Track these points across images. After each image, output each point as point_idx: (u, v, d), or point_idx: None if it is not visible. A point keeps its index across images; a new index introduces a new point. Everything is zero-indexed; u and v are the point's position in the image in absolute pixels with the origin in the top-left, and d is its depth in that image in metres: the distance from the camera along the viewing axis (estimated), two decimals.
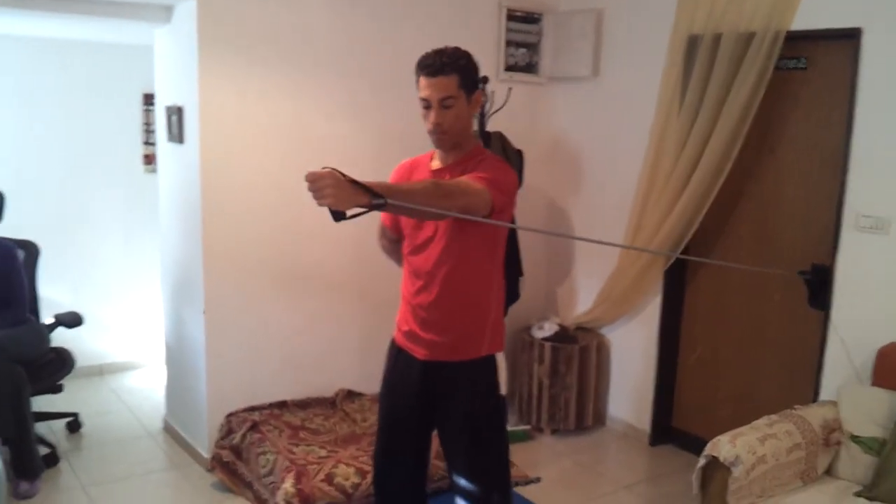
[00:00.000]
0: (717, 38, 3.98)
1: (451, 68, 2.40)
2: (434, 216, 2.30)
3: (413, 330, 2.63)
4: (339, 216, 1.99)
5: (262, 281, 4.13)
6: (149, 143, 5.48)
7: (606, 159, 4.80)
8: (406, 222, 2.61)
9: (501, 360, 2.64)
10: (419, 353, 2.62)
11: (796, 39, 3.75)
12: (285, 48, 4.03)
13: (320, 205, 1.95)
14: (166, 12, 4.03)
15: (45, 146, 5.17)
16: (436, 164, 2.59)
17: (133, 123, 5.47)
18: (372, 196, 1.98)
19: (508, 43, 4.78)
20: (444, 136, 2.46)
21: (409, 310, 2.64)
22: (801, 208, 3.96)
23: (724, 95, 3.95)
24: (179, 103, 4.03)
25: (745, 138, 3.92)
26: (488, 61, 4.61)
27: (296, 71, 4.08)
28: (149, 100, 5.35)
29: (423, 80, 2.42)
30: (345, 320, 4.44)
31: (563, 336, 4.76)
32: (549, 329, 4.77)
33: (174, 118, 4.07)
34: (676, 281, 4.55)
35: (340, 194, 1.93)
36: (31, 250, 4.37)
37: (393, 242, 2.78)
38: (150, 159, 5.47)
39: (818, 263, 3.80)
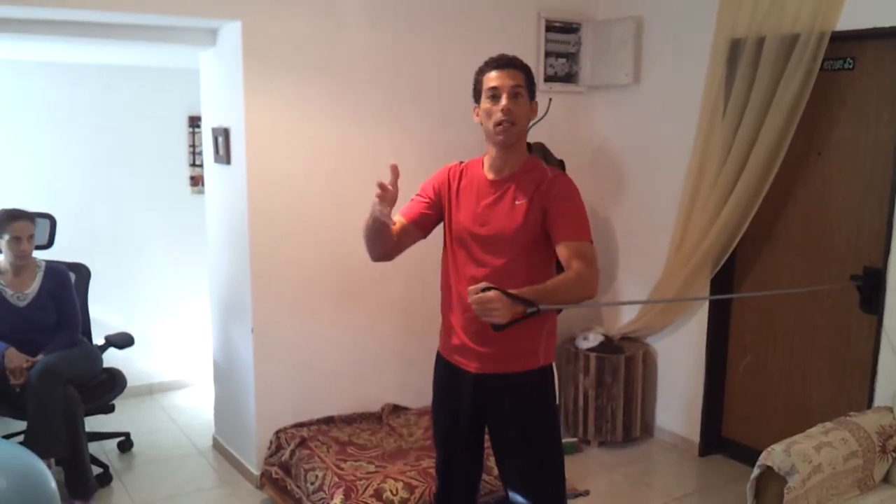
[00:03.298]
0: (760, 41, 3.93)
1: (518, 65, 2.52)
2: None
3: (465, 343, 2.60)
4: (499, 327, 2.20)
5: (309, 298, 4.16)
6: (195, 164, 5.56)
7: (649, 166, 4.76)
8: (464, 234, 2.57)
9: (553, 370, 2.63)
10: (472, 366, 2.59)
11: (842, 39, 3.69)
12: (330, 67, 4.05)
13: (483, 320, 2.17)
14: (211, 35, 4.08)
15: (93, 171, 5.26)
16: (491, 175, 2.57)
17: (179, 146, 5.54)
18: (527, 305, 2.17)
19: (548, 54, 4.77)
20: (511, 128, 2.47)
21: (459, 323, 2.61)
22: (851, 211, 3.88)
23: (769, 99, 3.89)
24: (226, 124, 4.08)
25: (791, 142, 3.86)
26: None
27: (341, 89, 4.10)
28: (194, 122, 5.44)
29: (492, 73, 2.49)
30: (389, 335, 4.44)
31: (608, 346, 4.71)
32: (593, 339, 4.73)
33: (220, 139, 4.12)
34: (724, 287, 4.47)
35: (504, 312, 2.13)
36: (82, 273, 4.45)
37: (393, 235, 2.62)
38: (196, 181, 5.54)
39: (870, 266, 3.73)
